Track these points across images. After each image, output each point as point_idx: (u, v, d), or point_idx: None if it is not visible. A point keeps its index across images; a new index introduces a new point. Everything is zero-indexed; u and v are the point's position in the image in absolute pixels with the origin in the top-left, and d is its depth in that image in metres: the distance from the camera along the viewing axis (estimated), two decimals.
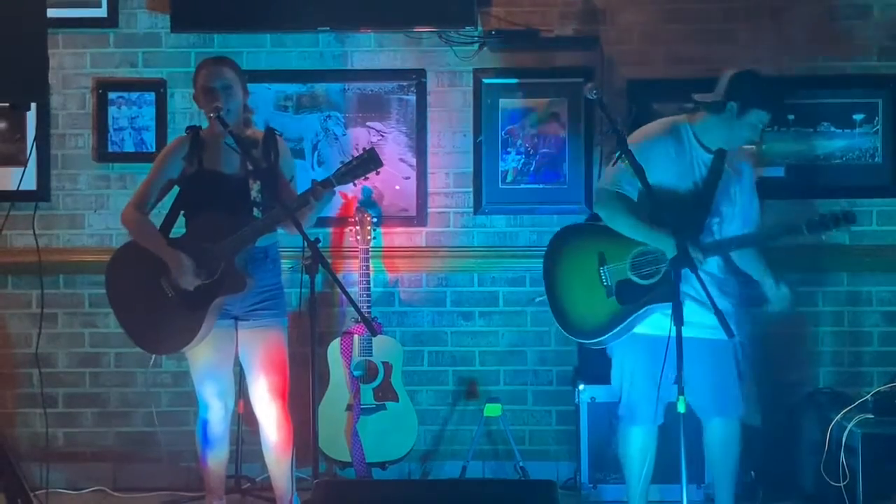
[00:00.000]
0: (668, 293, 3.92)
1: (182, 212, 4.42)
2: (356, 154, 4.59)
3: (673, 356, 3.78)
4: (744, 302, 4.34)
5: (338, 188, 4.26)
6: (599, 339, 4.33)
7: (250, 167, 4.29)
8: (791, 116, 5.20)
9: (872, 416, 4.29)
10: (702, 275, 4.02)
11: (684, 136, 4.25)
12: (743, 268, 4.34)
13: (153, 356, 4.56)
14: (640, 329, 4.24)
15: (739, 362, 4.32)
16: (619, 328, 4.25)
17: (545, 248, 4.47)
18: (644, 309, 4.18)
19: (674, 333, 3.98)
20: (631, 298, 4.20)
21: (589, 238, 4.37)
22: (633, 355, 4.31)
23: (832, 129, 5.22)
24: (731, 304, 4.23)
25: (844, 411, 4.36)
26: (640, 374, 4.27)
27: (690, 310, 4.02)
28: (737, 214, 4.29)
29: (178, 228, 4.41)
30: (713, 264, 4.25)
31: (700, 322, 4.02)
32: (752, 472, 4.74)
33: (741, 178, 4.31)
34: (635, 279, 4.21)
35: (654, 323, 4.18)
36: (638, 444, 4.36)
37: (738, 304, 4.32)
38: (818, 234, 4.16)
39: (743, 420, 4.39)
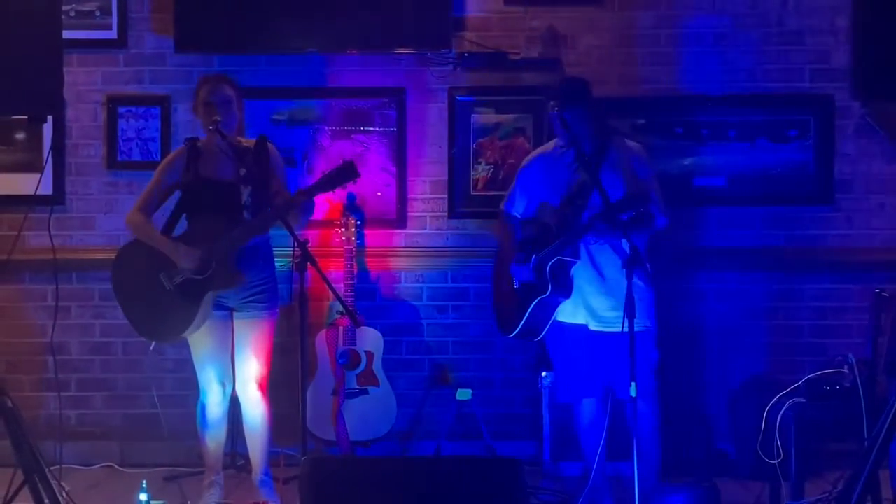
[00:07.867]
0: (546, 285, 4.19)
1: (184, 214, 4.44)
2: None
3: (592, 348, 4.16)
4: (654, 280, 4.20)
5: (320, 194, 4.27)
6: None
7: (242, 173, 4.30)
8: (732, 132, 5.25)
9: (804, 401, 4.26)
10: (606, 250, 4.16)
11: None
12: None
13: (153, 343, 4.53)
14: (559, 318, 4.34)
15: (649, 349, 4.22)
16: (525, 320, 4.33)
17: None
18: (545, 301, 4.26)
19: (596, 328, 4.24)
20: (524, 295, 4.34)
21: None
22: (553, 342, 4.44)
23: (769, 143, 5.24)
24: (642, 283, 4.12)
25: (779, 396, 4.32)
26: (561, 357, 4.42)
27: (601, 305, 4.21)
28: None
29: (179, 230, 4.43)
30: (619, 245, 4.17)
31: (606, 318, 4.21)
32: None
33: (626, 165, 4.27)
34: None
35: (564, 311, 4.30)
36: (585, 419, 4.38)
37: (648, 285, 4.18)
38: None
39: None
